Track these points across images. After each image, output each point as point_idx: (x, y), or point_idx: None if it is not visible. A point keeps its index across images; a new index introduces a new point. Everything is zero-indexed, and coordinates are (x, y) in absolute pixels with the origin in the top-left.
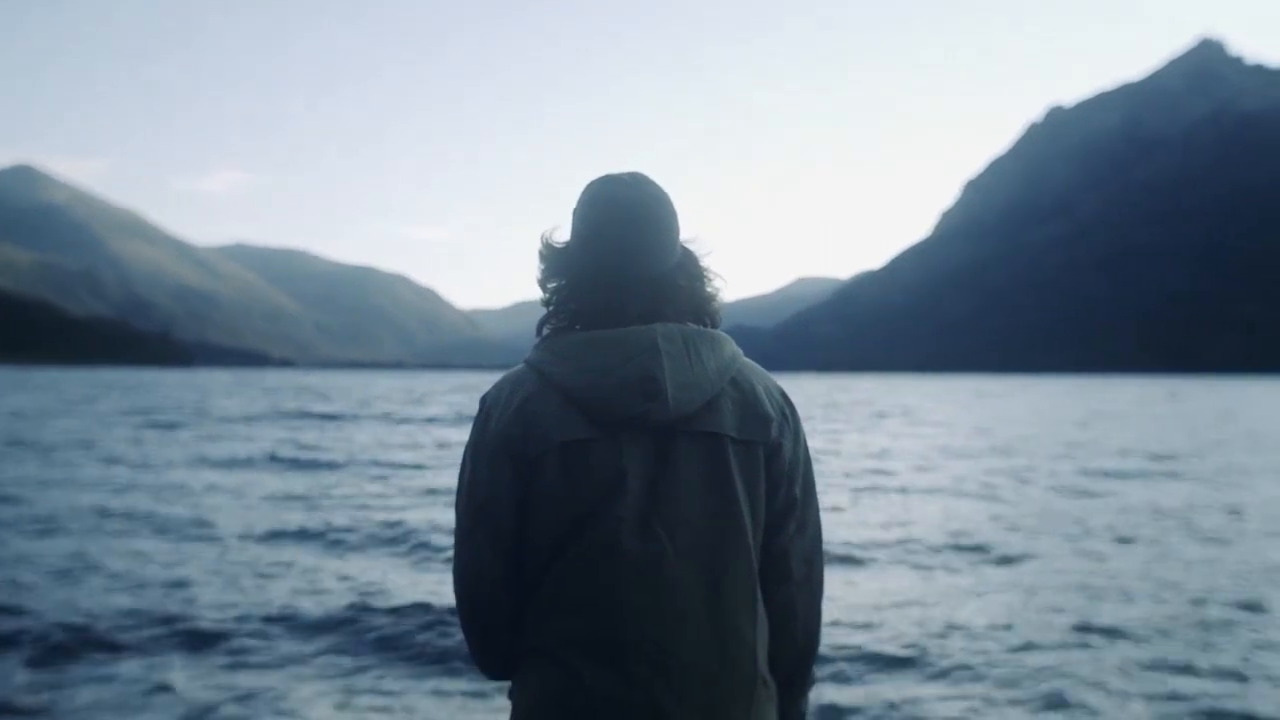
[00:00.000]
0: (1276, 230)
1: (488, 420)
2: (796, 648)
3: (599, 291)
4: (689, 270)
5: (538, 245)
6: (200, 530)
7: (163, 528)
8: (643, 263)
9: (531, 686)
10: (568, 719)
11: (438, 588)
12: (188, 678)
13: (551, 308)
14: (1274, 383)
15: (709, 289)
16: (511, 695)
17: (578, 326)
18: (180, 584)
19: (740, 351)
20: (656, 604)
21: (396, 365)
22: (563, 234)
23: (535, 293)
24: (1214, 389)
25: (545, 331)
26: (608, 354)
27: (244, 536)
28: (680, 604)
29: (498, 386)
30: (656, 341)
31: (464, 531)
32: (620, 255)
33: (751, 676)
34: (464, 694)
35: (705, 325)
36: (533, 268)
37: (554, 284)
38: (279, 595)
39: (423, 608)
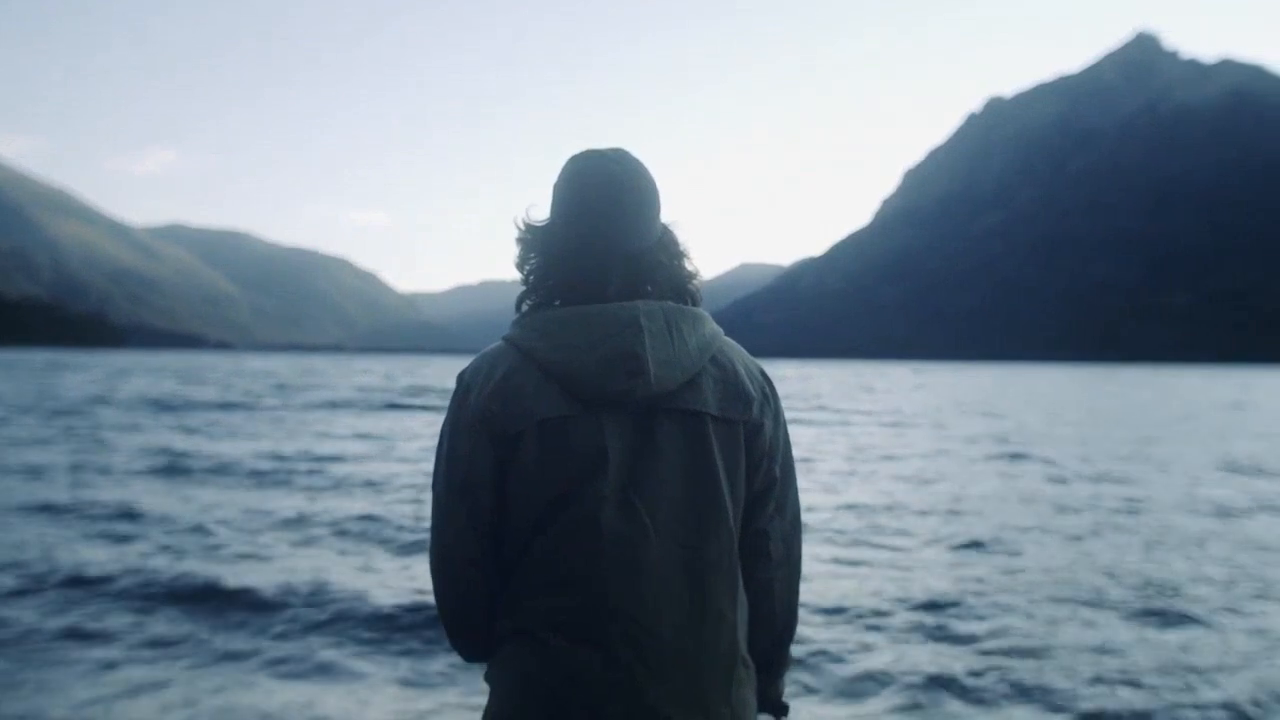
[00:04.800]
0: (1205, 221)
1: (466, 396)
2: (775, 628)
3: (579, 266)
4: (670, 248)
5: (515, 230)
6: None
7: None
8: (625, 237)
9: (510, 668)
10: (546, 699)
11: None
12: None
13: (530, 284)
14: (1207, 371)
15: (689, 267)
16: (489, 677)
17: (557, 302)
18: None
19: (720, 330)
20: (636, 583)
21: (336, 349)
22: (539, 213)
23: (475, 276)
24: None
25: (524, 308)
26: (589, 330)
27: None
28: (660, 583)
29: (476, 363)
30: (638, 318)
31: (442, 510)
32: (603, 229)
33: (732, 656)
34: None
35: (686, 304)
36: (477, 250)
37: (533, 262)
38: None
39: None
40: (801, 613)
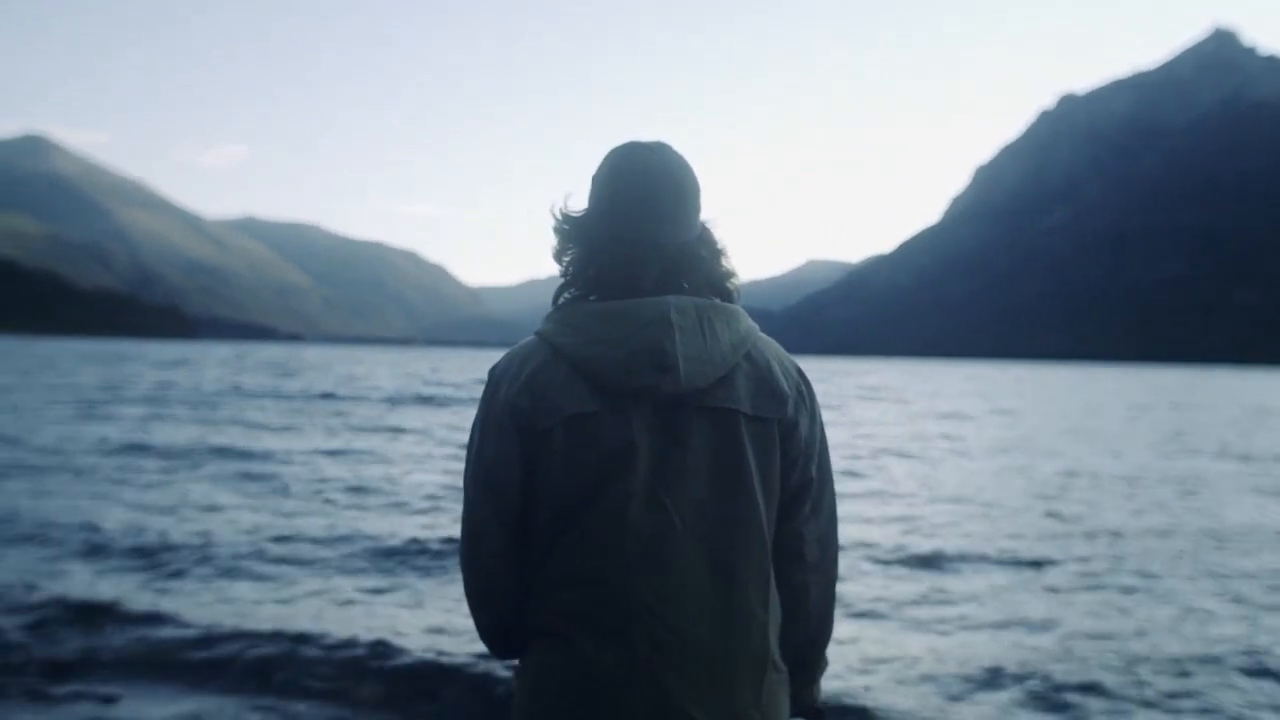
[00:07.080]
0: (1274, 218)
1: (496, 391)
2: (808, 631)
3: (616, 259)
4: (709, 245)
5: (551, 220)
6: None
7: None
8: (659, 230)
9: (536, 665)
10: (571, 697)
11: None
12: None
13: (568, 277)
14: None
15: (728, 265)
16: (517, 674)
17: (592, 297)
18: None
19: (756, 327)
20: (663, 581)
21: (405, 341)
22: (576, 201)
23: (546, 270)
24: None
25: (561, 301)
26: (618, 325)
27: None
28: (687, 581)
29: (507, 358)
30: (668, 313)
31: (471, 504)
32: (636, 220)
33: (762, 657)
34: None
35: (723, 301)
36: (546, 244)
37: (570, 254)
38: None
39: None
40: (882, 665)
